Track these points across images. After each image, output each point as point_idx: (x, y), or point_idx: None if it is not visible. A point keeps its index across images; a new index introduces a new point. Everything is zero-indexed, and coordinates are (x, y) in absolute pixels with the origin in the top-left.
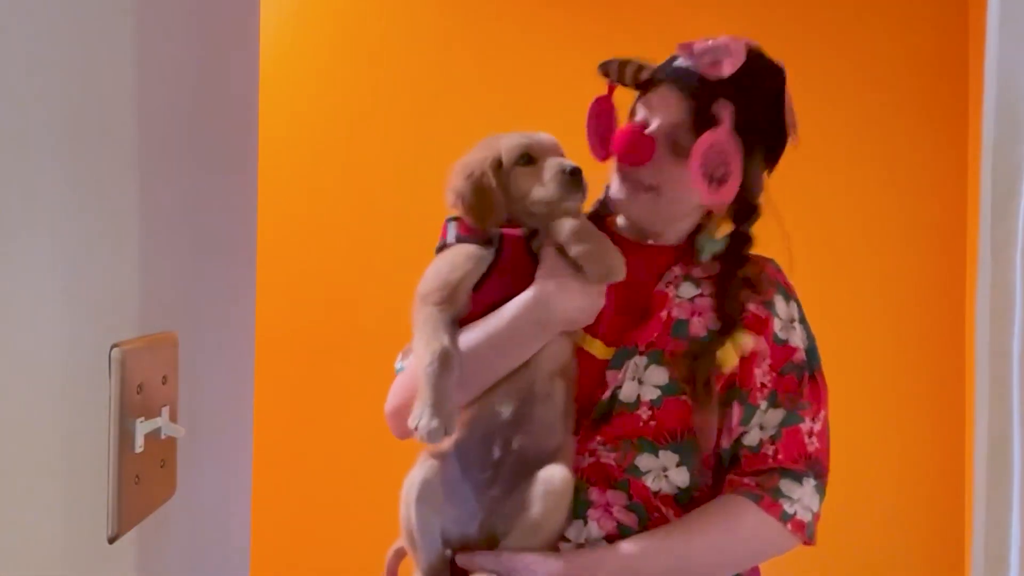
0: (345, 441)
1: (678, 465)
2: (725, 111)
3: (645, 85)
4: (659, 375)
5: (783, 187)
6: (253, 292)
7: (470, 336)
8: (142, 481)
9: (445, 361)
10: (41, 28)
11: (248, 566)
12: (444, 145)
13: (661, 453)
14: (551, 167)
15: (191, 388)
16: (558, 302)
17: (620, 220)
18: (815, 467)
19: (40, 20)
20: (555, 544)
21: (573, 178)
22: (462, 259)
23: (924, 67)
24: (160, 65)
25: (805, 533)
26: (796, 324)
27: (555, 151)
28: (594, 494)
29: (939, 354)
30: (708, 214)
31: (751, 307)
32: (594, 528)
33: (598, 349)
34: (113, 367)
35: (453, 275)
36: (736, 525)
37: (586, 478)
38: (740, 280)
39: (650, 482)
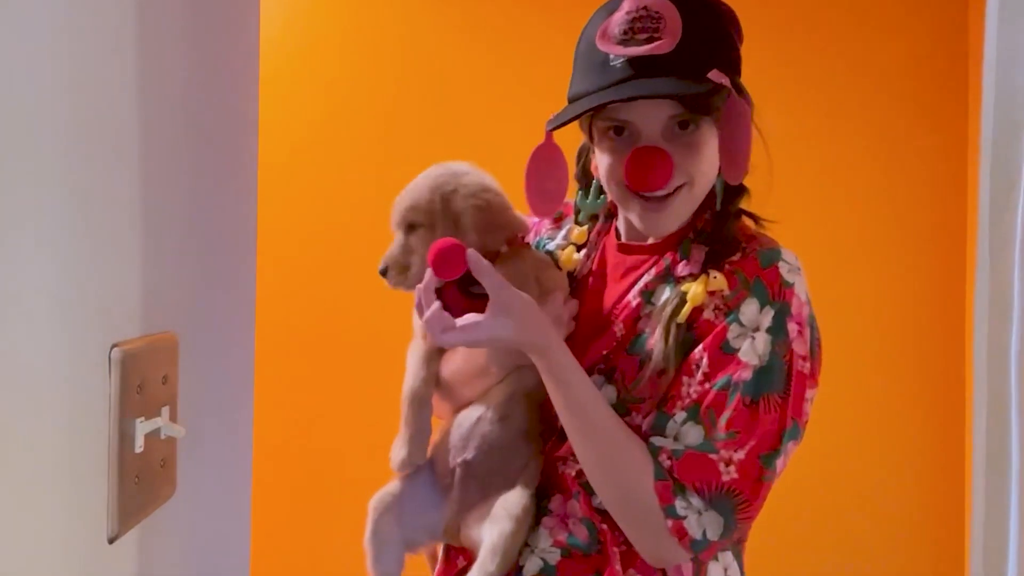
0: (345, 441)
1: None
2: (720, 77)
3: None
4: (608, 393)
5: (783, 187)
6: (253, 292)
7: (444, 364)
8: (142, 481)
9: (416, 401)
10: (41, 29)
11: (248, 566)
12: (445, 145)
13: None
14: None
15: (191, 388)
16: (497, 336)
17: (619, 220)
18: (723, 500)
19: (40, 21)
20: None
21: (383, 277)
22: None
23: (924, 67)
24: (160, 65)
25: (688, 545)
26: (760, 334)
27: (398, 221)
28: (555, 503)
29: (939, 354)
30: None
31: (705, 314)
32: (543, 535)
33: None
34: (113, 367)
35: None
36: (632, 469)
37: (555, 487)
38: (735, 213)
39: (597, 501)
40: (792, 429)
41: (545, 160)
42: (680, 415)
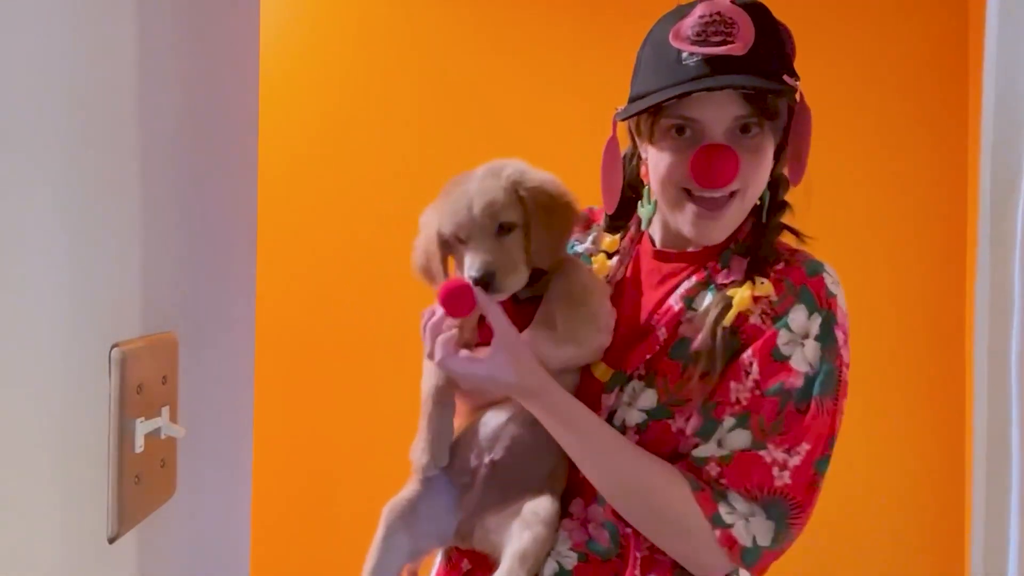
0: (345, 441)
1: None
2: (791, 80)
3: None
4: (648, 398)
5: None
6: (253, 292)
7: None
8: (142, 481)
9: (439, 401)
10: (42, 30)
11: (248, 566)
12: (446, 145)
13: None
14: (466, 267)
15: (191, 388)
16: (550, 349)
17: (654, 227)
18: (775, 504)
19: (41, 22)
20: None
21: (481, 287)
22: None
23: (924, 67)
24: (160, 66)
25: (738, 555)
26: (809, 341)
27: (487, 223)
28: (576, 506)
29: (939, 354)
30: None
31: (752, 319)
32: (562, 538)
33: (599, 371)
34: (113, 367)
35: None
36: (663, 487)
37: (576, 489)
38: (777, 226)
39: None
40: (834, 436)
41: (613, 154)
42: (729, 421)
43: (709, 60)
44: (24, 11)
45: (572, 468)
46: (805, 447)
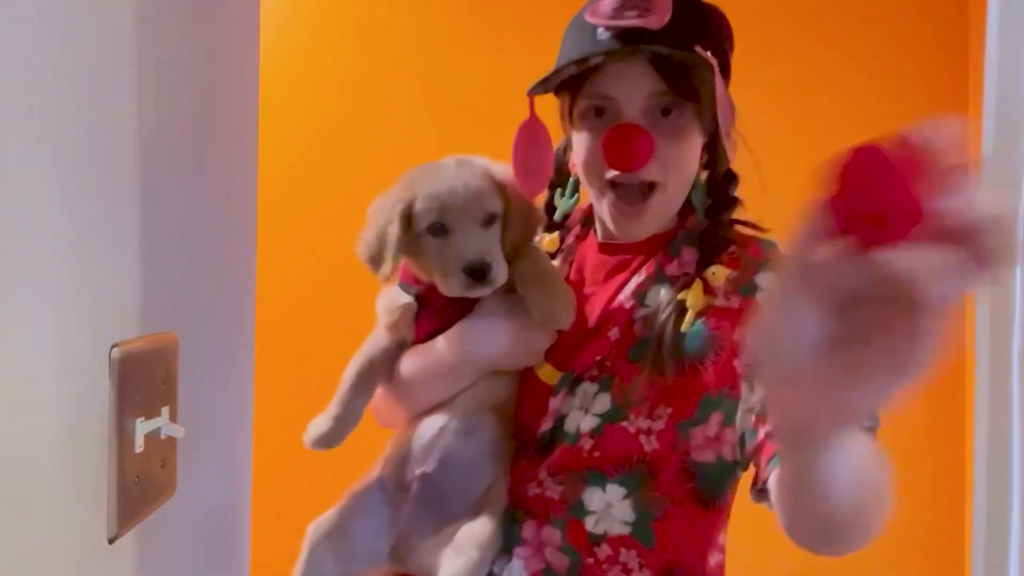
0: (345, 441)
1: (624, 498)
2: (704, 53)
3: (575, 79)
4: (603, 402)
5: (782, 187)
6: (253, 292)
7: (405, 363)
8: (142, 481)
9: (359, 382)
10: (43, 31)
11: (248, 566)
12: (446, 145)
13: (609, 487)
14: (455, 258)
15: (191, 388)
16: (475, 345)
17: (598, 223)
18: None
19: (41, 23)
20: None
21: (474, 279)
22: (389, 304)
23: (924, 67)
24: (160, 66)
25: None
26: None
27: (474, 212)
28: (528, 530)
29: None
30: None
31: (717, 301)
32: (517, 568)
33: (544, 372)
34: (113, 367)
35: (389, 318)
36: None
37: (525, 510)
38: (728, 221)
39: (591, 525)
40: None
41: (530, 135)
42: (746, 389)
43: (621, 34)
44: (23, 12)
45: (519, 486)
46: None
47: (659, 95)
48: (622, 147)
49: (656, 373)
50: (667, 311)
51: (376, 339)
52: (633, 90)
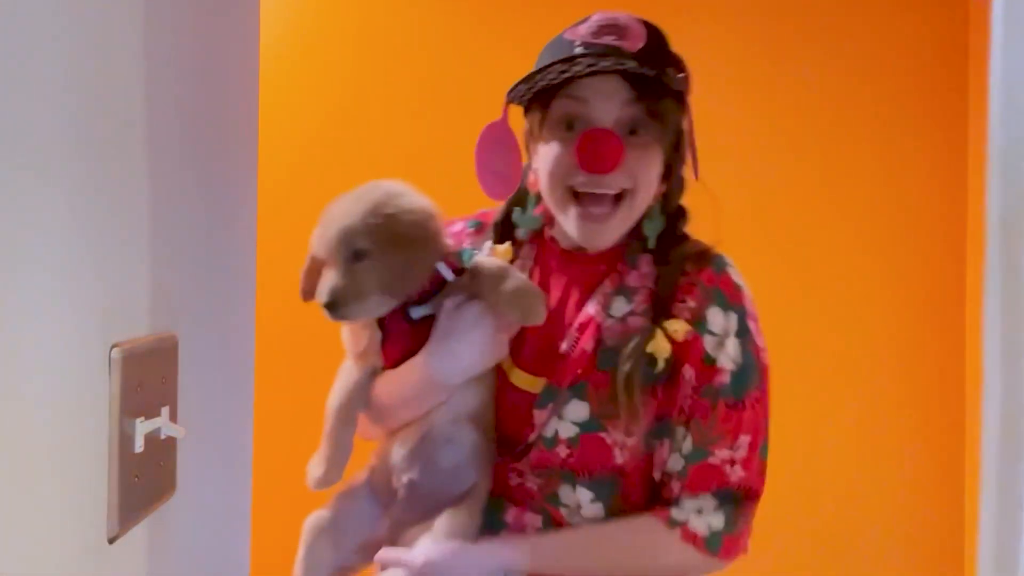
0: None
1: (592, 501)
2: (678, 77)
3: (549, 89)
4: (579, 410)
5: (782, 188)
6: (253, 292)
7: (379, 389)
8: (142, 481)
9: (343, 417)
10: (43, 31)
11: (248, 566)
12: (446, 146)
13: (578, 488)
14: (319, 291)
15: (191, 388)
16: (449, 362)
17: (556, 231)
18: (723, 494)
19: (42, 24)
20: None
21: (330, 311)
22: (352, 335)
23: (924, 67)
24: (161, 66)
25: (703, 545)
26: (730, 340)
27: (341, 250)
28: (511, 515)
29: (939, 354)
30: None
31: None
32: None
33: (525, 381)
34: (113, 367)
35: (355, 349)
36: (628, 528)
37: (507, 497)
38: (679, 260)
39: (566, 516)
40: (768, 418)
41: (495, 139)
42: (679, 429)
43: (597, 50)
44: (26, 12)
45: (504, 476)
46: (746, 439)
47: (631, 104)
48: (596, 148)
49: (631, 422)
50: (635, 360)
51: (347, 371)
52: (607, 99)
